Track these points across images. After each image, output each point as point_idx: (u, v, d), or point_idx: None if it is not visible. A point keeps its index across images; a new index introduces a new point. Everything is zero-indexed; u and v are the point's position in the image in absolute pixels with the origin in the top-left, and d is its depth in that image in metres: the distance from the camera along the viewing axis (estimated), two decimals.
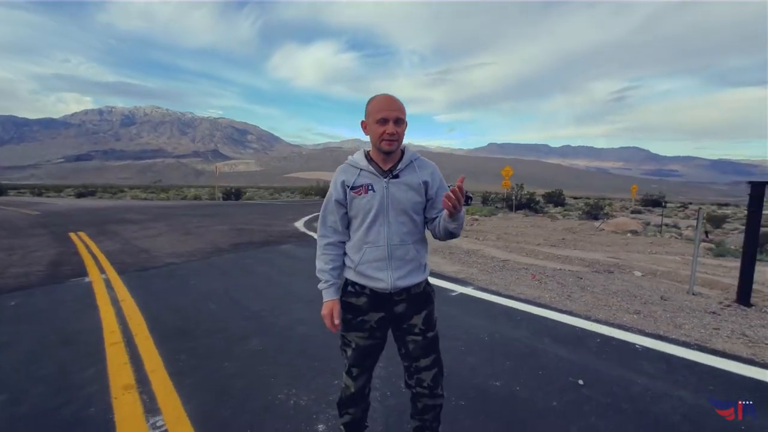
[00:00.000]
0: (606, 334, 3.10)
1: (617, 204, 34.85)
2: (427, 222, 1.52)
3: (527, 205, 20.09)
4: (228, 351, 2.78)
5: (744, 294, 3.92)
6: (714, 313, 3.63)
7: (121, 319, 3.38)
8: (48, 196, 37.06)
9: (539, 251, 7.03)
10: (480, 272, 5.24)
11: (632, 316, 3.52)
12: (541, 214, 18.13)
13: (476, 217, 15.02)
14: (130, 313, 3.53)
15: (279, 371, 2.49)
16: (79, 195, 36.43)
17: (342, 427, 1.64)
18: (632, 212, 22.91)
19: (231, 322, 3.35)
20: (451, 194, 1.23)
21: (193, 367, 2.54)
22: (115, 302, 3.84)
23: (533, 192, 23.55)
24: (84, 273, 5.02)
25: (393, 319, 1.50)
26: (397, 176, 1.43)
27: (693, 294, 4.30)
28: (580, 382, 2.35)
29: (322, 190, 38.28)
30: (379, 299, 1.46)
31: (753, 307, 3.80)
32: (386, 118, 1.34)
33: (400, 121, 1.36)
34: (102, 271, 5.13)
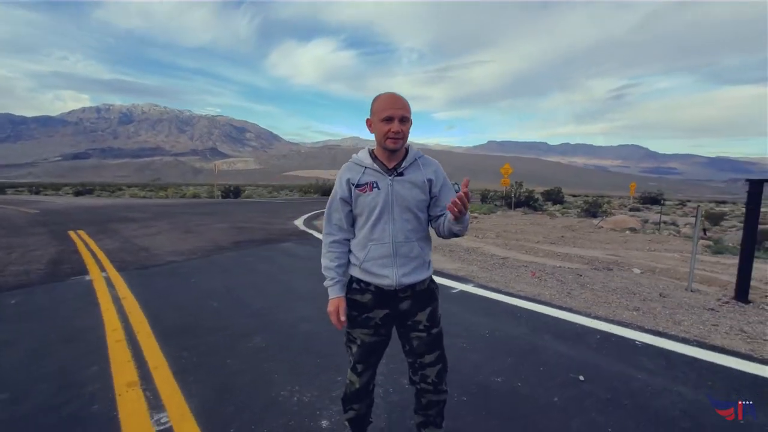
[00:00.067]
0: (606, 330, 3.12)
1: (616, 202, 34.96)
2: (430, 219, 1.53)
3: (526, 202, 20.13)
4: (231, 348, 2.79)
5: (742, 291, 3.95)
6: (712, 309, 3.66)
7: (122, 316, 3.39)
8: (46, 195, 36.97)
9: (539, 249, 7.06)
10: (480, 270, 5.26)
11: (632, 313, 3.55)
12: (540, 212, 18.17)
13: (476, 214, 15.05)
14: (132, 310, 3.54)
15: (282, 368, 2.50)
16: (78, 193, 36.33)
17: (346, 422, 1.66)
18: (631, 210, 22.99)
19: (233, 319, 3.36)
20: (457, 200, 1.25)
21: (196, 364, 2.56)
22: (116, 300, 3.84)
23: (532, 190, 23.60)
24: (84, 271, 5.02)
25: (398, 316, 1.51)
26: (401, 174, 1.44)
27: (692, 291, 4.33)
28: (581, 377, 2.37)
29: (321, 188, 38.24)
30: (384, 296, 1.47)
31: (751, 304, 3.83)
32: (391, 117, 1.35)
33: (405, 120, 1.36)
34: (102, 269, 5.13)
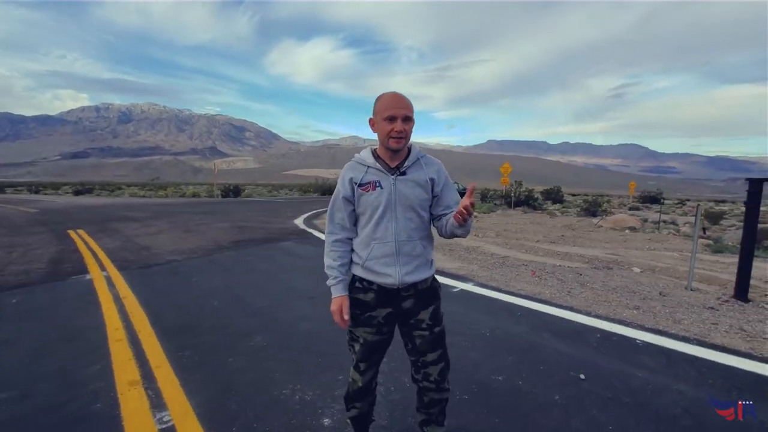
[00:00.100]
0: (606, 329, 3.13)
1: (615, 201, 34.99)
2: (432, 219, 1.54)
3: (526, 202, 20.14)
4: (232, 347, 2.80)
5: (742, 290, 3.96)
6: (712, 308, 3.67)
7: (123, 316, 3.39)
8: (45, 194, 36.94)
9: (538, 248, 7.07)
10: (480, 269, 5.27)
11: (632, 312, 3.56)
12: (540, 211, 18.19)
13: (475, 214, 15.06)
14: (133, 310, 3.54)
15: (283, 367, 2.51)
16: (77, 192, 36.30)
17: (349, 420, 1.66)
18: (630, 209, 23.02)
19: (234, 318, 3.37)
20: (463, 210, 1.27)
21: (197, 363, 2.56)
22: (117, 299, 3.84)
23: (532, 189, 23.61)
24: (85, 270, 5.02)
25: (400, 315, 1.52)
26: (404, 173, 1.45)
27: (691, 290, 4.34)
28: (582, 376, 2.38)
29: (320, 188, 38.17)
30: (387, 295, 1.48)
31: (750, 303, 3.84)
32: (394, 116, 1.35)
33: (407, 119, 1.37)
34: (103, 268, 5.13)
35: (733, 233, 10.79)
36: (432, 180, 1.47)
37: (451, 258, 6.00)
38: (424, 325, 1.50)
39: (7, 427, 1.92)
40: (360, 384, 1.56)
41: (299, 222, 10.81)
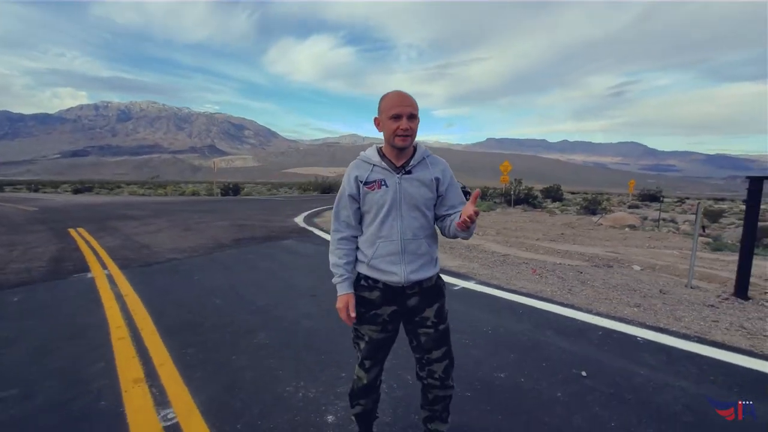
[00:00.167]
0: (607, 326, 3.14)
1: (615, 199, 35.01)
2: (436, 218, 1.55)
3: (525, 200, 20.15)
4: (235, 345, 2.80)
5: (742, 287, 3.97)
6: (713, 306, 3.68)
7: (126, 314, 3.40)
8: (45, 192, 36.87)
9: (539, 246, 7.08)
10: (481, 267, 5.28)
11: (632, 309, 3.57)
12: (540, 209, 18.20)
13: None
14: (135, 308, 3.55)
15: (286, 364, 2.52)
16: (76, 191, 36.22)
17: (353, 417, 1.67)
18: (630, 207, 23.04)
19: (236, 316, 3.37)
20: (467, 219, 1.30)
21: (201, 360, 2.57)
22: (119, 297, 3.85)
23: (531, 187, 23.62)
24: (86, 269, 5.03)
25: (405, 313, 1.52)
26: (409, 172, 1.45)
27: (691, 287, 4.36)
28: (583, 373, 2.40)
29: (320, 186, 38.10)
30: (392, 293, 1.48)
31: (750, 300, 3.86)
32: (399, 114, 1.35)
33: (413, 117, 1.37)
34: (104, 266, 5.13)
35: (732, 231, 10.82)
36: (437, 179, 1.48)
37: (452, 256, 6.01)
38: (429, 323, 1.51)
39: (12, 425, 1.93)
40: (365, 381, 1.57)
41: (299, 220, 10.81)
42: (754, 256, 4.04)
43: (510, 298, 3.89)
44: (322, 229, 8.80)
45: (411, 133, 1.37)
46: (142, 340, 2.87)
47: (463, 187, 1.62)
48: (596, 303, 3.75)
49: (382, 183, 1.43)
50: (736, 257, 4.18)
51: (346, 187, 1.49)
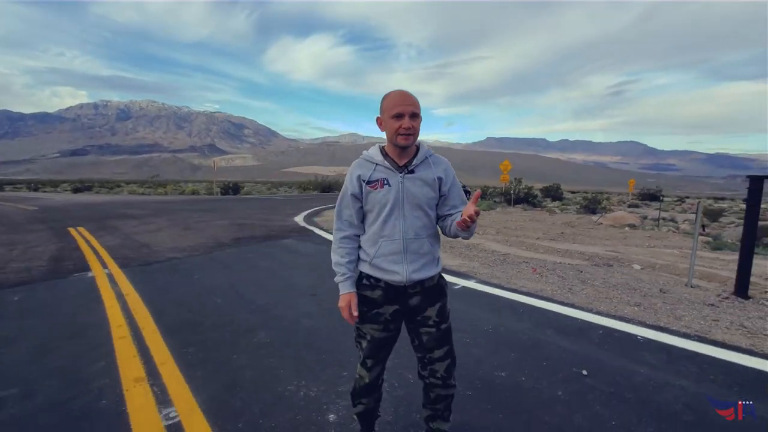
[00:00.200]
0: (607, 325, 3.15)
1: (615, 198, 35.01)
2: (438, 218, 1.55)
3: (525, 199, 20.14)
4: (235, 344, 2.81)
5: (742, 286, 3.98)
6: (713, 305, 3.69)
7: (126, 313, 3.40)
8: (44, 191, 36.83)
9: (539, 245, 7.09)
10: (481, 266, 5.29)
11: (633, 308, 3.57)
12: (540, 209, 18.20)
13: None
14: (136, 307, 3.55)
15: (287, 363, 2.52)
16: (76, 190, 36.17)
17: (355, 416, 1.67)
18: (630, 206, 23.05)
19: (237, 315, 3.38)
20: (467, 219, 1.30)
21: (202, 359, 2.57)
22: (119, 296, 3.85)
23: (531, 186, 23.62)
24: (86, 268, 5.03)
25: (407, 312, 1.53)
26: (412, 171, 1.45)
27: (692, 286, 4.36)
28: (584, 372, 2.40)
29: (320, 185, 38.05)
30: (394, 292, 1.48)
31: (750, 300, 3.86)
32: (402, 113, 1.35)
33: (415, 116, 1.37)
34: (104, 265, 5.13)
35: (732, 230, 10.82)
36: (440, 179, 1.48)
37: (452, 255, 6.01)
38: (430, 322, 1.51)
39: (12, 424, 1.93)
40: (367, 380, 1.57)
41: (299, 219, 10.81)
42: (755, 255, 4.04)
43: (510, 297, 3.90)
44: (322, 228, 8.80)
45: (413, 132, 1.37)
46: (143, 339, 2.87)
47: (464, 187, 1.62)
48: (596, 302, 3.75)
49: (385, 182, 1.43)
50: (736, 256, 4.19)
51: (349, 186, 1.49)
